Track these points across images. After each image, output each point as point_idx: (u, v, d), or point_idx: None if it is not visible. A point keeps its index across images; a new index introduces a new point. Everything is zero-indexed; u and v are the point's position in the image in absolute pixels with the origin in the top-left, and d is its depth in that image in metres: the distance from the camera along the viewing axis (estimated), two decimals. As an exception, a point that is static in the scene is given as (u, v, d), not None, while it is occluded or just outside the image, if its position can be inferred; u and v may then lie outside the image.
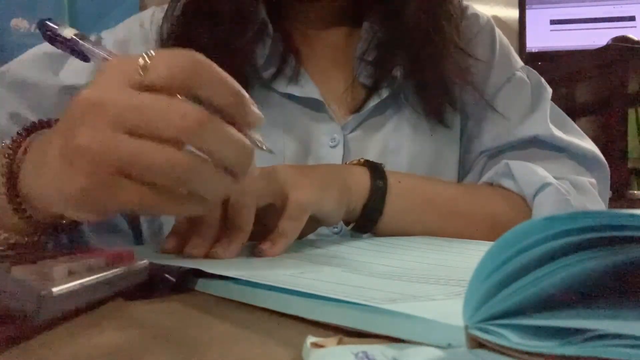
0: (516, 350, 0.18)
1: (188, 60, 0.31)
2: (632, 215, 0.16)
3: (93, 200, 0.31)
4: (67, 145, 0.31)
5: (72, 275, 0.26)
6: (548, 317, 0.18)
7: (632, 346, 0.16)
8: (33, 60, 0.61)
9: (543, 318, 0.18)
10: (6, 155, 0.38)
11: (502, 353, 0.18)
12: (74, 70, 0.61)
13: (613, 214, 0.17)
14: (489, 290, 0.19)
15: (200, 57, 0.32)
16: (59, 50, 0.63)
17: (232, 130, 0.32)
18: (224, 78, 0.32)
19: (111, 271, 0.29)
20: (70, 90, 0.60)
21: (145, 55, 0.31)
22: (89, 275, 0.27)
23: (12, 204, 0.37)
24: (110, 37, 0.66)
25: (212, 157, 0.31)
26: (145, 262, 0.32)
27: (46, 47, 0.63)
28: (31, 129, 0.41)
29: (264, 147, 0.34)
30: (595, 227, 0.17)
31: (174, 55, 0.31)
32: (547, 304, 0.19)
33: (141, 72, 0.31)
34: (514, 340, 0.18)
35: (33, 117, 0.56)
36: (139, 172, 0.30)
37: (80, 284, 0.26)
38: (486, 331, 0.19)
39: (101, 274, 0.28)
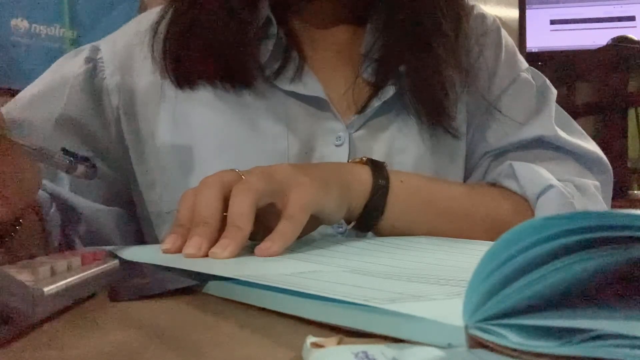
0: (516, 350, 0.18)
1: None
2: (632, 215, 0.16)
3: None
4: None
5: (54, 275, 0.26)
6: (548, 317, 0.18)
7: (632, 346, 0.16)
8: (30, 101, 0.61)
9: (543, 318, 0.18)
10: None
11: (502, 353, 0.18)
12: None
13: (613, 214, 0.17)
14: (489, 290, 0.19)
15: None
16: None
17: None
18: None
19: (91, 270, 0.29)
20: (64, 120, 0.60)
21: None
22: (71, 275, 0.27)
23: None
24: (108, 48, 0.65)
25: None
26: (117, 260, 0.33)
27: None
28: None
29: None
30: (595, 227, 0.17)
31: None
32: (547, 304, 0.19)
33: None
34: (514, 340, 0.18)
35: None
36: None
37: (67, 283, 0.26)
38: (486, 331, 0.19)
39: (82, 273, 0.28)
